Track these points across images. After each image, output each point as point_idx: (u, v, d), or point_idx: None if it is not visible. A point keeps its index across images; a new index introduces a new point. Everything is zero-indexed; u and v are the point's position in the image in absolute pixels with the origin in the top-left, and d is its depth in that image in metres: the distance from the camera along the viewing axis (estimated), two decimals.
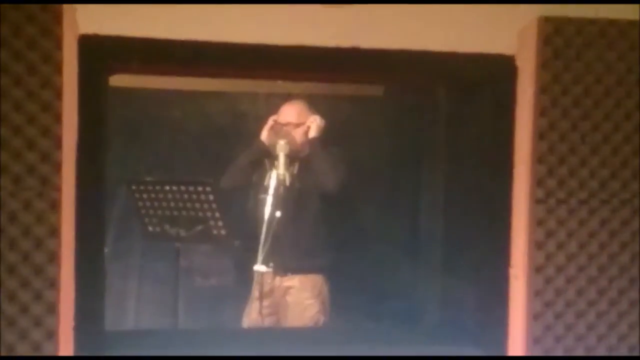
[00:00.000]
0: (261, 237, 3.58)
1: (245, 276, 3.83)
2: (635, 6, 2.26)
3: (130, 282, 4.63)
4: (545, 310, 2.28)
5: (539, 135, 2.25)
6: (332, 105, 4.42)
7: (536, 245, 2.27)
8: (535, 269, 2.27)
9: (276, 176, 3.65)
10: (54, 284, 2.03)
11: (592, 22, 2.24)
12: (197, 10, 2.12)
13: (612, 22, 2.25)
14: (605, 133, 2.27)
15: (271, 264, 3.67)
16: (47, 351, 2.04)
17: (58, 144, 2.03)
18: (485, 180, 2.39)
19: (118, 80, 2.27)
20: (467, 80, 2.43)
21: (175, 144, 4.56)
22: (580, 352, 2.30)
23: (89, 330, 2.12)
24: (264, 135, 3.90)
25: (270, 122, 3.92)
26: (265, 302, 3.78)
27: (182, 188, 3.82)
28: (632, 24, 2.26)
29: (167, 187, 3.84)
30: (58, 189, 2.03)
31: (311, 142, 3.86)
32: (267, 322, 3.80)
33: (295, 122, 3.88)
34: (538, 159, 2.25)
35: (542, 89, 2.24)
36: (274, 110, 4.01)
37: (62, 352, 2.06)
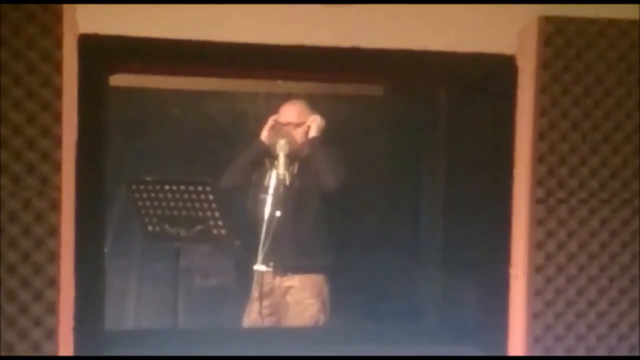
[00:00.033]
0: (261, 237, 3.58)
1: (245, 276, 3.83)
2: (635, 6, 2.26)
3: (130, 281, 4.63)
4: (545, 310, 2.28)
5: (539, 135, 2.25)
6: (332, 105, 4.42)
7: (536, 245, 2.27)
8: (536, 269, 2.27)
9: (276, 176, 3.66)
10: (53, 283, 2.04)
11: (592, 21, 2.24)
12: (197, 10, 2.12)
13: (612, 22, 2.25)
14: (605, 133, 2.28)
15: (271, 264, 3.68)
16: (46, 351, 2.04)
17: (58, 143, 2.03)
18: (485, 180, 2.39)
19: (118, 79, 2.27)
20: (468, 80, 2.43)
21: (175, 144, 4.56)
22: (580, 352, 2.30)
23: (89, 330, 2.12)
24: (264, 135, 3.90)
25: (270, 121, 3.92)
26: (265, 302, 3.79)
27: (182, 188, 3.81)
28: (632, 23, 2.26)
29: (167, 187, 3.84)
30: (58, 189, 2.03)
31: (311, 142, 3.86)
32: (268, 322, 3.81)
33: (295, 122, 3.88)
34: (538, 158, 2.26)
35: (542, 89, 2.24)
36: (274, 110, 4.01)
37: (62, 352, 2.06)
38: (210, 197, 3.77)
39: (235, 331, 3.45)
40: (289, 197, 3.70)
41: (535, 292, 2.27)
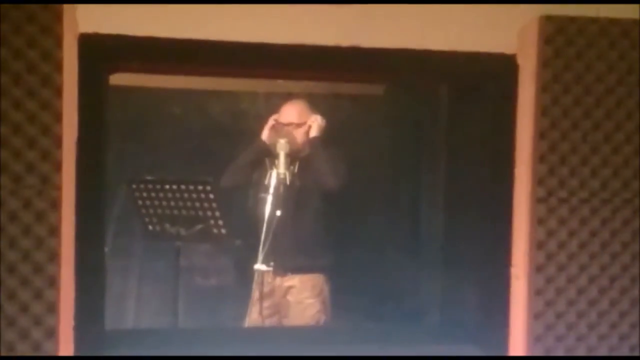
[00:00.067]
0: (261, 236, 3.58)
1: (245, 275, 3.84)
2: (635, 6, 2.26)
3: (130, 281, 4.64)
4: (546, 309, 2.28)
5: (540, 134, 2.25)
6: (333, 105, 4.43)
7: (537, 244, 2.27)
8: (536, 269, 2.27)
9: (276, 175, 3.66)
10: (54, 283, 2.04)
11: (593, 21, 2.24)
12: (197, 9, 2.12)
13: (613, 21, 2.25)
14: (606, 132, 2.28)
15: (271, 263, 3.68)
16: (47, 350, 2.04)
17: (58, 142, 2.03)
18: (486, 179, 2.39)
19: (118, 78, 2.27)
20: (468, 80, 2.43)
21: (175, 143, 4.56)
22: (581, 352, 2.30)
23: (89, 330, 2.12)
24: (265, 134, 3.91)
25: (271, 121, 3.92)
26: (266, 302, 3.79)
27: (182, 187, 3.82)
28: (633, 23, 2.26)
29: (167, 186, 3.85)
30: (58, 188, 2.03)
31: (312, 142, 3.86)
32: (268, 322, 3.81)
33: (296, 122, 3.88)
34: (539, 158, 2.26)
35: (543, 88, 2.24)
36: (275, 109, 4.01)
37: (62, 352, 2.07)
38: (211, 196, 3.77)
39: (236, 331, 3.45)
40: (289, 196, 3.70)
41: (536, 292, 2.27)
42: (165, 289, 4.14)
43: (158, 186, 3.87)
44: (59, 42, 2.01)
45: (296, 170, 3.80)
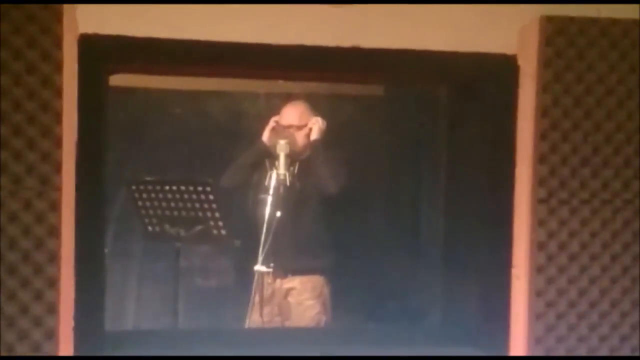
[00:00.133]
0: (261, 238, 3.58)
1: (245, 277, 3.84)
2: (636, 6, 2.26)
3: (130, 282, 4.64)
4: (547, 310, 2.28)
5: (541, 135, 2.25)
6: (333, 105, 4.43)
7: (538, 245, 2.27)
8: (537, 269, 2.27)
9: (276, 176, 3.66)
10: (54, 284, 2.04)
11: (593, 21, 2.24)
12: (197, 9, 2.12)
13: (614, 22, 2.25)
14: (607, 133, 2.28)
15: (271, 265, 3.68)
16: (47, 351, 2.04)
17: (58, 143, 2.03)
18: (486, 180, 2.38)
19: (118, 79, 2.27)
20: (468, 80, 2.42)
21: (175, 144, 4.56)
22: (582, 353, 2.30)
23: (89, 331, 2.12)
24: (265, 136, 3.91)
25: (271, 123, 3.92)
26: (266, 305, 3.79)
27: (182, 188, 3.82)
28: (633, 23, 2.26)
29: (167, 187, 3.85)
30: (58, 189, 2.03)
31: (312, 144, 3.86)
32: (269, 323, 3.80)
33: (297, 125, 3.88)
34: (539, 159, 2.26)
35: (543, 89, 2.24)
36: (275, 110, 4.01)
37: (62, 352, 2.07)
38: (211, 197, 3.77)
39: (236, 332, 3.45)
40: (289, 197, 3.70)
41: (536, 293, 2.27)
42: (165, 290, 4.14)
43: (158, 187, 3.87)
44: (58, 43, 2.01)
45: (296, 171, 3.80)
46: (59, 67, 2.02)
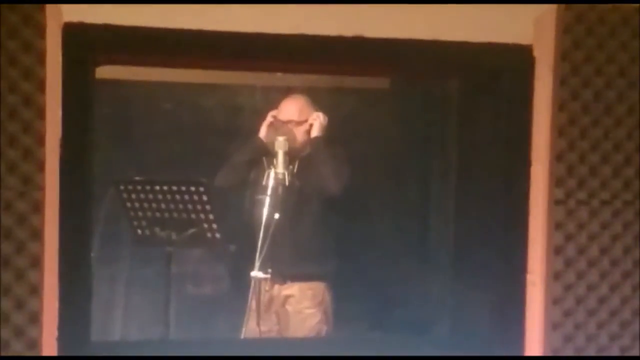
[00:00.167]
0: (258, 241, 3.58)
1: (241, 283, 3.84)
2: None
3: (118, 289, 4.64)
4: (564, 319, 2.28)
5: (558, 131, 2.25)
6: (335, 99, 4.43)
7: (555, 249, 2.27)
8: (554, 275, 2.27)
9: (274, 175, 3.66)
10: (36, 290, 2.04)
11: (614, 9, 2.24)
12: None
13: (636, 9, 2.25)
14: (629, 129, 2.27)
15: (269, 270, 3.68)
16: None
17: (41, 140, 2.03)
18: (499, 179, 2.39)
19: (105, 71, 2.27)
20: (481, 72, 2.43)
21: (166, 141, 4.57)
22: None
23: (74, 341, 2.13)
24: (263, 132, 3.91)
25: (269, 118, 3.93)
26: (264, 313, 3.79)
27: (174, 188, 3.82)
28: None
29: (158, 187, 3.85)
30: (41, 189, 2.03)
31: (313, 141, 3.86)
32: (266, 332, 3.81)
33: (296, 120, 3.88)
34: (557, 156, 2.26)
35: (561, 81, 2.24)
36: (273, 104, 4.02)
37: None
38: (204, 198, 3.77)
39: (231, 342, 3.45)
40: (288, 198, 3.71)
41: (553, 301, 2.28)
42: (156, 297, 4.14)
43: (148, 187, 3.87)
44: (41, 32, 2.01)
45: (296, 170, 3.81)
46: (41, 59, 2.02)
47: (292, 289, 3.88)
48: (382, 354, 2.43)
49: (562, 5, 2.22)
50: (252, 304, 3.71)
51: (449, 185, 3.38)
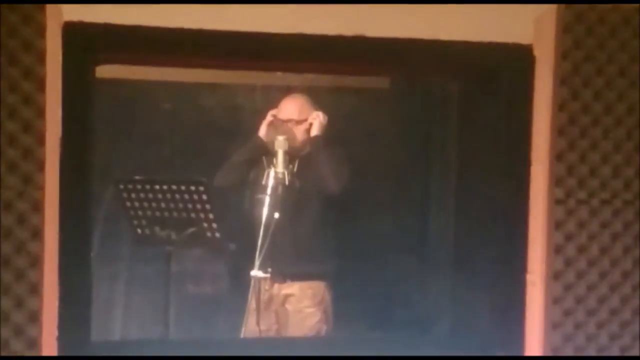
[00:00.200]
0: (258, 241, 3.58)
1: (241, 283, 3.84)
2: None
3: (117, 288, 4.64)
4: (564, 319, 2.28)
5: (558, 130, 2.25)
6: (335, 99, 4.43)
7: (555, 249, 2.27)
8: (554, 275, 2.27)
9: (274, 175, 3.66)
10: (36, 290, 2.04)
11: (615, 9, 2.24)
12: None
13: (636, 9, 2.25)
14: (629, 128, 2.27)
15: (269, 270, 3.68)
16: None
17: (41, 140, 2.03)
18: (499, 179, 2.39)
19: (105, 71, 2.27)
20: (481, 72, 2.43)
21: (166, 140, 4.57)
22: None
23: (74, 341, 2.13)
24: (262, 131, 3.91)
25: (269, 117, 3.93)
26: (264, 313, 3.79)
27: (174, 187, 3.82)
28: None
29: (158, 187, 3.85)
30: (41, 188, 2.03)
31: (313, 141, 3.86)
32: (266, 332, 3.81)
33: (296, 119, 3.88)
34: (557, 156, 2.26)
35: (561, 81, 2.24)
36: (273, 104, 4.02)
37: None
38: (204, 197, 3.77)
39: (230, 341, 3.45)
40: (288, 197, 3.71)
41: (553, 300, 2.28)
42: (155, 296, 4.14)
43: (147, 186, 3.87)
44: (41, 31, 2.01)
45: (295, 169, 3.81)
46: (41, 58, 2.01)
47: (292, 288, 3.88)
48: (382, 353, 2.43)
49: (562, 5, 2.22)
50: (252, 303, 3.71)
51: (449, 185, 3.38)
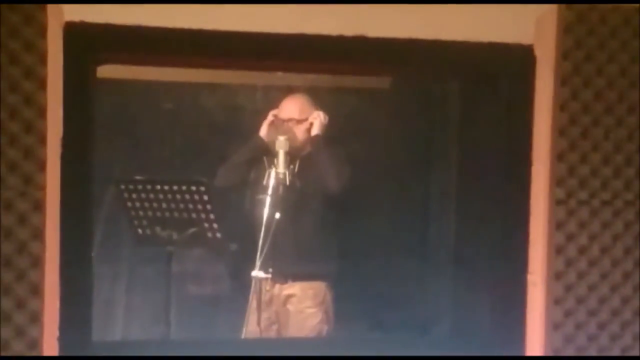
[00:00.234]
0: (259, 241, 3.58)
1: (242, 283, 3.84)
2: None
3: (118, 289, 4.64)
4: (565, 320, 2.28)
5: (559, 131, 2.25)
6: (335, 99, 4.43)
7: (556, 249, 2.27)
8: (555, 276, 2.27)
9: (275, 175, 3.66)
10: (37, 290, 2.04)
11: (615, 9, 2.24)
12: None
13: (637, 10, 2.25)
14: (630, 129, 2.27)
15: (270, 270, 3.68)
16: None
17: (42, 140, 2.03)
18: (500, 179, 2.39)
19: (106, 71, 2.27)
20: (481, 72, 2.43)
21: (167, 140, 4.57)
22: None
23: (75, 341, 2.13)
24: (263, 131, 3.91)
25: (270, 117, 3.93)
26: (265, 313, 3.79)
27: (175, 188, 3.82)
28: None
29: (159, 187, 3.85)
30: (42, 188, 2.03)
31: (313, 140, 3.86)
32: (267, 332, 3.81)
33: (297, 118, 3.89)
34: (558, 156, 2.26)
35: (562, 81, 2.24)
36: (274, 104, 4.02)
37: None
38: (205, 197, 3.77)
39: (232, 342, 3.45)
40: (289, 198, 3.71)
41: (554, 301, 2.27)
42: (156, 297, 4.14)
43: (148, 186, 3.87)
44: (42, 32, 2.01)
45: (296, 169, 3.81)
46: (43, 58, 2.02)
47: (294, 288, 3.88)
48: (383, 354, 2.43)
49: (563, 5, 2.22)
50: (253, 303, 3.71)
51: (449, 185, 3.38)
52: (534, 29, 2.27)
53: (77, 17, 2.07)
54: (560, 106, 2.25)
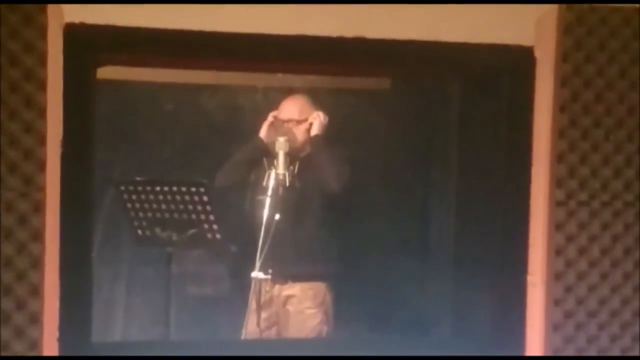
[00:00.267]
0: (259, 242, 3.58)
1: (242, 284, 3.84)
2: None
3: (118, 289, 4.64)
4: (565, 320, 2.28)
5: (559, 132, 2.25)
6: (335, 100, 4.43)
7: (555, 250, 2.27)
8: (555, 276, 2.27)
9: (275, 176, 3.66)
10: (37, 291, 2.04)
11: (615, 10, 2.24)
12: None
13: (637, 10, 2.25)
14: (630, 130, 2.27)
15: (270, 271, 3.68)
16: None
17: (42, 141, 2.03)
18: (500, 181, 2.39)
19: (106, 72, 2.27)
20: (482, 73, 2.43)
21: (167, 141, 4.57)
22: None
23: (75, 342, 2.13)
24: (263, 132, 3.91)
25: (269, 118, 3.93)
26: (264, 314, 3.79)
27: (175, 189, 3.82)
28: None
29: (158, 188, 3.85)
30: (42, 189, 2.03)
31: (313, 140, 3.86)
32: (267, 333, 3.81)
33: (296, 119, 3.89)
34: (557, 157, 2.26)
35: (562, 82, 2.24)
36: (274, 105, 4.02)
37: None
38: (205, 198, 3.77)
39: (231, 343, 3.45)
40: (289, 198, 3.71)
41: (554, 302, 2.27)
42: (156, 298, 4.14)
43: (148, 188, 3.87)
44: (43, 33, 2.01)
45: (296, 170, 3.81)
46: (43, 59, 2.02)
47: (294, 289, 3.88)
48: (383, 354, 2.43)
49: (563, 6, 2.22)
50: (253, 304, 3.71)
51: (449, 186, 3.38)
52: (534, 30, 2.28)
53: (77, 18, 2.07)
54: (560, 107, 2.25)
